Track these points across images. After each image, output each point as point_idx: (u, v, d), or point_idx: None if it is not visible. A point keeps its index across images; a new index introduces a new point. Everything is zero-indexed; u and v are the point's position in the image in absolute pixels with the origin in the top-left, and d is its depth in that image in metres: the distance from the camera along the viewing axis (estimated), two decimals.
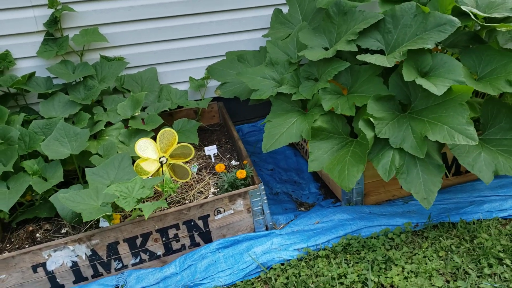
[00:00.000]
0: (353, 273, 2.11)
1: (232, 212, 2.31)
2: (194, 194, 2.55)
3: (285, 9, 3.10)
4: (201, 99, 3.21)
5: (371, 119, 2.14)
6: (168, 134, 2.40)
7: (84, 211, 2.07)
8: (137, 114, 2.68)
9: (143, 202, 2.39)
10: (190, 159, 2.79)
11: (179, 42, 3.15)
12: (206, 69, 3.04)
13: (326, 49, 2.49)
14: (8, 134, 2.47)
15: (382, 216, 2.42)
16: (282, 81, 2.52)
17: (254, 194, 2.31)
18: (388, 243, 2.27)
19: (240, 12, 3.18)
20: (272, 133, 2.36)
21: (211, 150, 2.83)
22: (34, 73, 2.82)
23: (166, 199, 2.32)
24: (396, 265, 2.14)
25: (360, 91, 2.35)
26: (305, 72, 2.49)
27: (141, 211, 2.16)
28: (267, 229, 2.42)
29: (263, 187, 2.32)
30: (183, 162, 2.48)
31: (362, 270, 2.12)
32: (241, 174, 2.35)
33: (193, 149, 2.41)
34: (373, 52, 2.33)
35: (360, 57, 2.22)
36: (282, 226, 2.49)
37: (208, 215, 2.28)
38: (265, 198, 2.34)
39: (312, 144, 2.28)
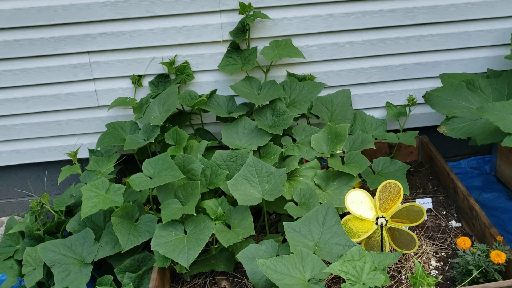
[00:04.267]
0: None
1: None
2: (411, 267, 1.92)
3: None
4: (398, 130, 2.57)
5: None
6: (391, 187, 1.80)
7: None
8: (338, 151, 2.12)
9: None
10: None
11: (378, 60, 2.55)
12: (423, 96, 2.39)
13: None
14: (189, 166, 2.05)
15: None
16: None
17: None
18: None
19: (463, 25, 2.48)
20: None
21: (425, 203, 2.18)
22: (215, 90, 2.40)
23: None
24: None
25: None
26: None
27: None
28: None
29: None
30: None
31: None
32: (498, 257, 1.66)
33: (424, 212, 1.78)
34: None
35: None
36: None
37: None
38: None
39: None
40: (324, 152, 2.17)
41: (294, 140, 2.29)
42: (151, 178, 2.02)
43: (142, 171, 2.05)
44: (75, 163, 2.31)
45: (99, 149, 2.47)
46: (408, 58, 2.54)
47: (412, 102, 2.54)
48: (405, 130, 2.58)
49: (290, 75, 2.49)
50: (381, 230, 1.78)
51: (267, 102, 2.34)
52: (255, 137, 2.22)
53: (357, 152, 2.14)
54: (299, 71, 2.51)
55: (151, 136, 2.23)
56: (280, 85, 2.38)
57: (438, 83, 2.51)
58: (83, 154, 2.54)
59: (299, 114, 2.27)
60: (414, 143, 2.38)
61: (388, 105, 2.60)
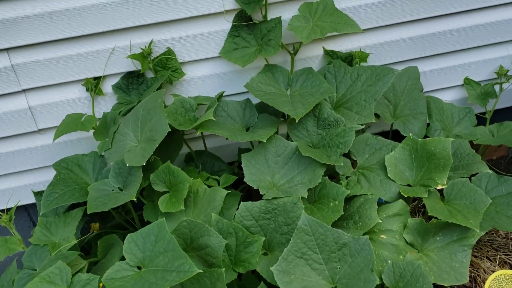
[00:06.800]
0: None
1: None
2: None
3: None
4: (482, 117, 1.78)
5: None
6: None
7: None
8: (440, 186, 1.32)
9: None
10: None
11: (454, 19, 1.70)
12: None
13: None
14: (200, 240, 1.22)
15: None
16: None
17: None
18: None
19: None
20: None
21: None
22: (222, 94, 1.52)
23: None
24: None
25: None
26: None
27: None
28: None
29: None
30: None
31: None
32: None
33: None
34: None
35: None
36: None
37: None
38: None
39: None
40: (410, 181, 1.36)
41: (352, 162, 1.47)
42: (139, 268, 1.20)
43: (115, 217, 1.25)
44: (14, 233, 1.45)
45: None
46: (500, 11, 1.71)
47: (505, 75, 1.74)
48: (494, 114, 1.80)
49: (328, 54, 1.63)
50: None
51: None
52: (297, 168, 1.38)
53: (464, 181, 1.34)
54: (341, 46, 1.65)
55: (129, 183, 1.37)
56: (320, 74, 1.52)
57: None
58: (27, 198, 1.69)
59: (362, 125, 1.42)
60: None
61: (468, 82, 1.79)
